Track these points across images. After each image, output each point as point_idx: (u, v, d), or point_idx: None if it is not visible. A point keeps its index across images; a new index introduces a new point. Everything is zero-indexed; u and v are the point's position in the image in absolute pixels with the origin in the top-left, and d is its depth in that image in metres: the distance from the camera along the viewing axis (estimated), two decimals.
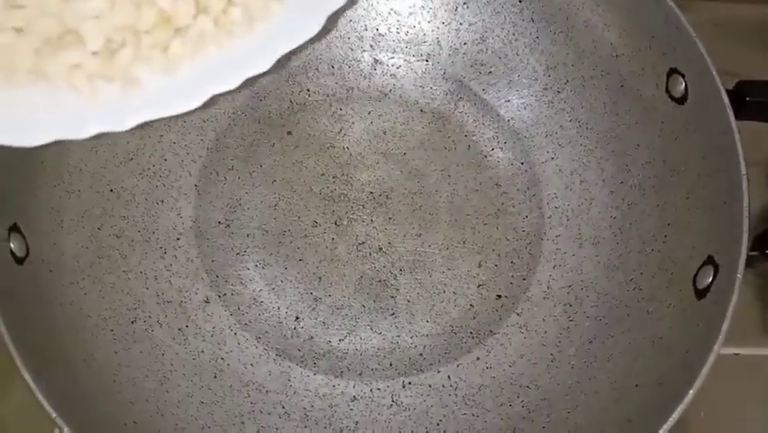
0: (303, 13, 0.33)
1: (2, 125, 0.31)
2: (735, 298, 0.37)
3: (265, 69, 0.32)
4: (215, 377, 0.45)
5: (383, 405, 0.45)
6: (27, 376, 0.35)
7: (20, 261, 0.40)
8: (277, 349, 0.46)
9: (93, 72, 0.31)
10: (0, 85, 0.30)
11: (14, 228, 0.40)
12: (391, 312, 0.48)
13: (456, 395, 0.45)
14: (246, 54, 0.32)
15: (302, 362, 0.46)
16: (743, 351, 0.52)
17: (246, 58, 0.32)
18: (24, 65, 0.30)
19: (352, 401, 0.45)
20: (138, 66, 0.31)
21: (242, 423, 0.44)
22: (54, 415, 0.35)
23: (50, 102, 0.31)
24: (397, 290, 0.48)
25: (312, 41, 0.33)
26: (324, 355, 0.46)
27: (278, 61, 0.33)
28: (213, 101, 0.32)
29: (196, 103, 0.31)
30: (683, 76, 0.44)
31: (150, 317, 0.46)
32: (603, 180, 0.50)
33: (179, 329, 0.46)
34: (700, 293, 0.41)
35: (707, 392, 0.51)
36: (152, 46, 0.31)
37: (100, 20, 0.30)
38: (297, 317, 0.47)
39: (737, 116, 0.41)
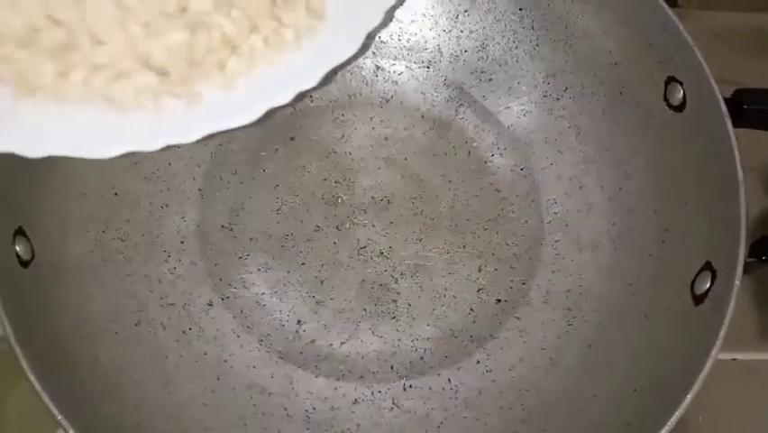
0: (344, 32, 0.35)
1: (75, 138, 0.32)
2: (732, 304, 0.38)
3: (313, 85, 0.34)
4: (219, 379, 0.45)
5: (384, 408, 0.46)
6: (32, 378, 0.36)
7: (25, 264, 0.40)
8: (279, 352, 0.46)
9: (159, 91, 0.32)
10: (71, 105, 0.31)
11: (20, 232, 0.41)
12: (392, 316, 0.48)
13: (456, 398, 0.46)
14: (295, 71, 0.34)
15: (304, 365, 0.46)
16: (740, 356, 0.53)
17: (295, 74, 0.34)
18: (97, 95, 0.31)
19: (354, 404, 0.46)
20: (200, 83, 0.32)
21: (245, 425, 0.44)
22: (60, 417, 0.35)
23: (119, 117, 0.32)
24: (398, 293, 0.48)
25: (355, 56, 0.34)
26: (325, 358, 0.47)
27: (326, 76, 0.34)
28: (269, 115, 0.33)
29: (253, 116, 0.33)
30: (681, 84, 0.44)
31: (153, 319, 0.46)
32: (602, 187, 0.50)
33: (183, 332, 0.46)
34: (698, 299, 0.41)
35: (705, 397, 0.52)
36: (213, 65, 0.33)
37: (179, 48, 0.31)
38: (300, 321, 0.48)
39: (735, 124, 0.42)
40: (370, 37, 0.35)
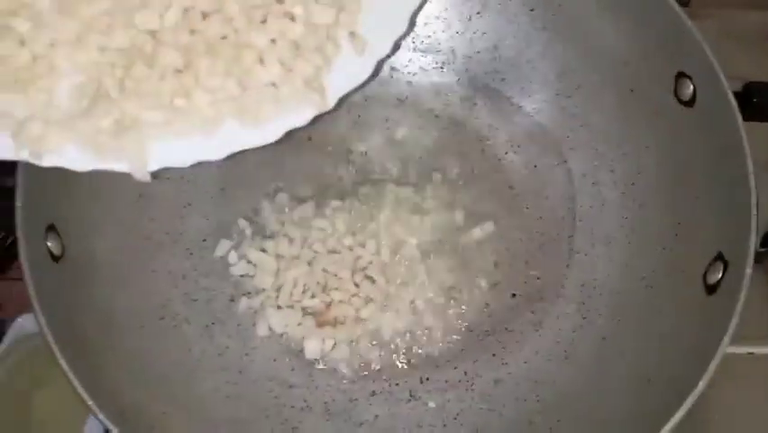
0: (356, 59, 0.38)
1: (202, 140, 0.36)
2: (744, 292, 0.38)
3: (330, 107, 0.38)
4: (241, 372, 0.47)
5: (402, 399, 0.47)
6: (64, 364, 0.37)
7: (56, 259, 0.42)
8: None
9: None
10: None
11: (52, 228, 0.42)
12: (410, 310, 0.49)
13: (473, 390, 0.47)
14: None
15: (324, 358, 0.48)
16: (757, 350, 0.53)
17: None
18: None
19: (372, 396, 0.47)
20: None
21: (267, 416, 0.45)
22: (90, 402, 0.37)
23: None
24: (415, 289, 0.49)
25: (367, 82, 0.38)
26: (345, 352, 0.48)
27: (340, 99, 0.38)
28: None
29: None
30: (691, 79, 0.45)
31: (178, 314, 0.47)
32: (614, 182, 0.51)
33: (206, 326, 0.48)
34: (710, 289, 0.42)
35: (721, 392, 0.52)
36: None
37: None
38: None
39: (745, 117, 0.42)
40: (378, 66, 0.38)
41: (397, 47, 0.39)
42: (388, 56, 0.39)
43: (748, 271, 0.38)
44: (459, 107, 0.55)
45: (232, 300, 0.49)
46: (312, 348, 0.47)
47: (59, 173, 0.43)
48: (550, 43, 0.53)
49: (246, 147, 0.37)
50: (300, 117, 0.37)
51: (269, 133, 0.37)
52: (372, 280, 0.49)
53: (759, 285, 0.54)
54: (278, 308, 0.48)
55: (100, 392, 0.38)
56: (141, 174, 0.36)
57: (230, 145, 0.37)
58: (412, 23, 0.39)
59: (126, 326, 0.45)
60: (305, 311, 0.48)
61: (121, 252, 0.47)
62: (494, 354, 0.48)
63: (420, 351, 0.48)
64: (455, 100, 0.55)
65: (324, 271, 0.49)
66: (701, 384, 0.37)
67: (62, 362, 0.37)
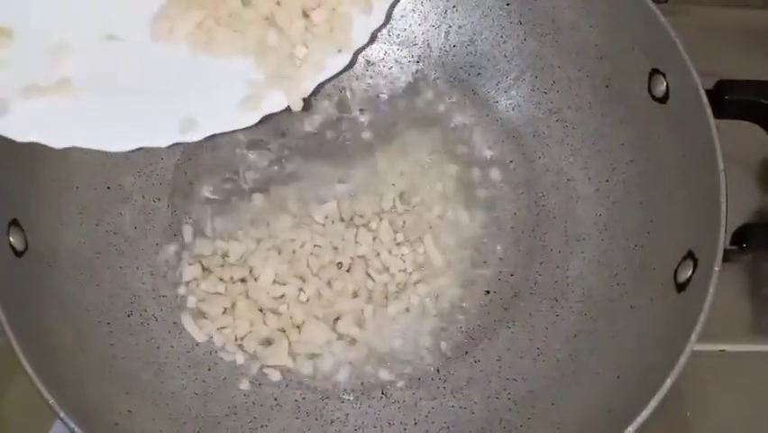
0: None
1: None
2: (712, 290, 0.38)
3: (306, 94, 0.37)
4: (209, 370, 0.46)
5: (373, 398, 0.46)
6: (25, 363, 0.36)
7: (19, 254, 0.41)
8: None
9: None
10: None
11: (14, 223, 0.41)
12: (381, 306, 0.48)
13: (445, 388, 0.46)
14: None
15: (295, 356, 0.47)
16: (728, 348, 0.53)
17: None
18: None
19: (343, 394, 0.46)
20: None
21: (236, 414, 0.45)
22: (51, 400, 0.36)
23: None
24: (386, 285, 0.49)
25: (341, 72, 0.38)
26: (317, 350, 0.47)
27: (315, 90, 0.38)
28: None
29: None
30: (664, 75, 0.45)
31: (145, 311, 0.47)
32: (589, 179, 0.51)
33: (174, 323, 0.47)
34: (680, 286, 0.42)
35: (693, 390, 0.53)
36: None
37: None
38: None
39: (717, 115, 0.42)
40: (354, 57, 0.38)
41: (373, 38, 0.39)
42: (364, 47, 0.39)
43: (716, 269, 0.38)
44: (434, 102, 0.54)
45: None
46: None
47: (22, 165, 0.42)
48: (526, 38, 0.53)
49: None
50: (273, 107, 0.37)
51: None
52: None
53: (730, 283, 0.54)
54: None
55: (63, 390, 0.37)
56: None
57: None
58: (389, 16, 0.39)
59: (92, 322, 0.44)
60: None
61: (87, 247, 0.46)
62: (466, 352, 0.48)
63: (392, 348, 0.48)
64: (430, 95, 0.55)
65: (298, 262, 0.48)
66: (669, 381, 0.37)
67: (24, 360, 0.37)
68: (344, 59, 0.38)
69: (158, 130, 0.36)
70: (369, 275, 0.49)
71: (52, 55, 0.35)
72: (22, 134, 0.35)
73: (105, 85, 0.36)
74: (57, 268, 0.44)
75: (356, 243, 0.49)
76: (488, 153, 0.53)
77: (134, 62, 0.37)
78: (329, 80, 0.38)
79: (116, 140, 0.36)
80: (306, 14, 0.37)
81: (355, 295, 0.48)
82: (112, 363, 0.43)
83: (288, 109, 0.37)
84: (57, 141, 0.35)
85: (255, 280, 0.48)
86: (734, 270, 0.55)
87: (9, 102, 0.34)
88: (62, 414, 0.36)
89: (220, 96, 0.37)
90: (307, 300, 0.48)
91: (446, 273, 0.49)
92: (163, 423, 0.42)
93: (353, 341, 0.47)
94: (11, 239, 0.41)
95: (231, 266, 0.48)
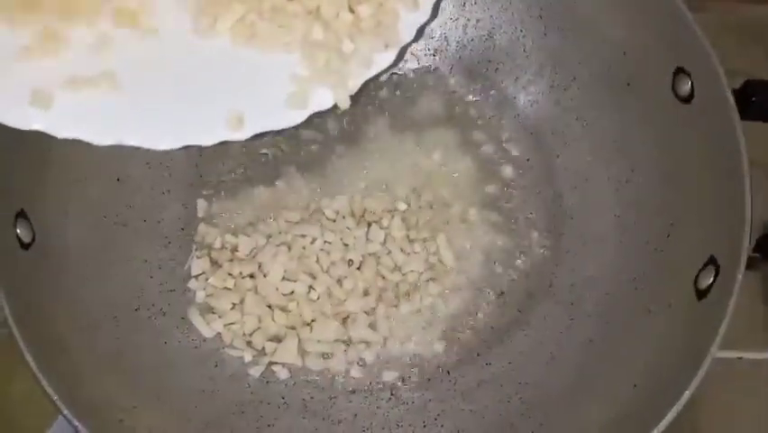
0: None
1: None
2: (734, 298, 0.37)
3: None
4: (217, 366, 0.46)
5: (382, 399, 0.45)
6: (28, 357, 0.36)
7: (26, 246, 0.40)
8: None
9: None
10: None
11: (21, 214, 0.41)
12: (393, 305, 0.48)
13: (455, 390, 0.46)
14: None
15: (304, 354, 0.46)
16: (746, 355, 0.52)
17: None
18: None
19: (352, 394, 0.46)
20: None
21: (243, 412, 0.44)
22: (55, 397, 0.35)
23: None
24: (397, 285, 0.48)
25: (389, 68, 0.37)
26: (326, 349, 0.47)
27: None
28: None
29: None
30: (689, 75, 0.43)
31: (153, 305, 0.46)
32: (608, 179, 0.49)
33: (182, 318, 0.46)
34: (701, 294, 0.40)
35: (709, 396, 0.52)
36: None
37: None
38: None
39: (743, 116, 0.41)
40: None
41: (420, 34, 0.37)
42: (410, 43, 0.37)
43: (740, 276, 0.37)
44: (451, 97, 0.53)
45: None
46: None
47: (30, 156, 0.42)
48: (546, 33, 0.51)
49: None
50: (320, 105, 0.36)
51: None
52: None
53: (749, 289, 0.53)
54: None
55: (67, 386, 0.37)
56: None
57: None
58: (436, 11, 0.38)
59: (98, 316, 0.43)
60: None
61: (95, 239, 0.45)
62: (478, 354, 0.47)
63: (402, 349, 0.47)
64: (448, 89, 0.53)
65: (307, 258, 0.48)
66: (688, 393, 0.36)
67: (27, 354, 0.36)
68: (391, 56, 0.36)
69: (204, 127, 0.35)
70: (380, 274, 0.48)
71: (95, 47, 0.34)
72: (65, 131, 0.34)
73: (149, 81, 0.34)
74: (64, 260, 0.43)
75: (367, 240, 0.48)
76: (505, 151, 0.52)
77: (178, 58, 0.35)
78: (375, 77, 0.36)
79: (162, 138, 0.35)
80: (351, 9, 0.35)
81: (366, 294, 0.47)
82: (117, 358, 0.42)
83: (334, 107, 0.36)
84: (102, 138, 0.34)
85: (264, 276, 0.47)
86: (751, 276, 0.53)
87: (53, 96, 0.33)
88: (65, 411, 0.35)
89: (266, 93, 0.35)
90: (318, 298, 0.47)
91: (459, 274, 0.48)
92: (169, 420, 0.42)
93: (363, 341, 0.46)
94: (18, 231, 0.40)
95: (240, 261, 0.47)
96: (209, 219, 0.49)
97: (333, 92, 0.35)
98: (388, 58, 0.36)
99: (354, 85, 0.35)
